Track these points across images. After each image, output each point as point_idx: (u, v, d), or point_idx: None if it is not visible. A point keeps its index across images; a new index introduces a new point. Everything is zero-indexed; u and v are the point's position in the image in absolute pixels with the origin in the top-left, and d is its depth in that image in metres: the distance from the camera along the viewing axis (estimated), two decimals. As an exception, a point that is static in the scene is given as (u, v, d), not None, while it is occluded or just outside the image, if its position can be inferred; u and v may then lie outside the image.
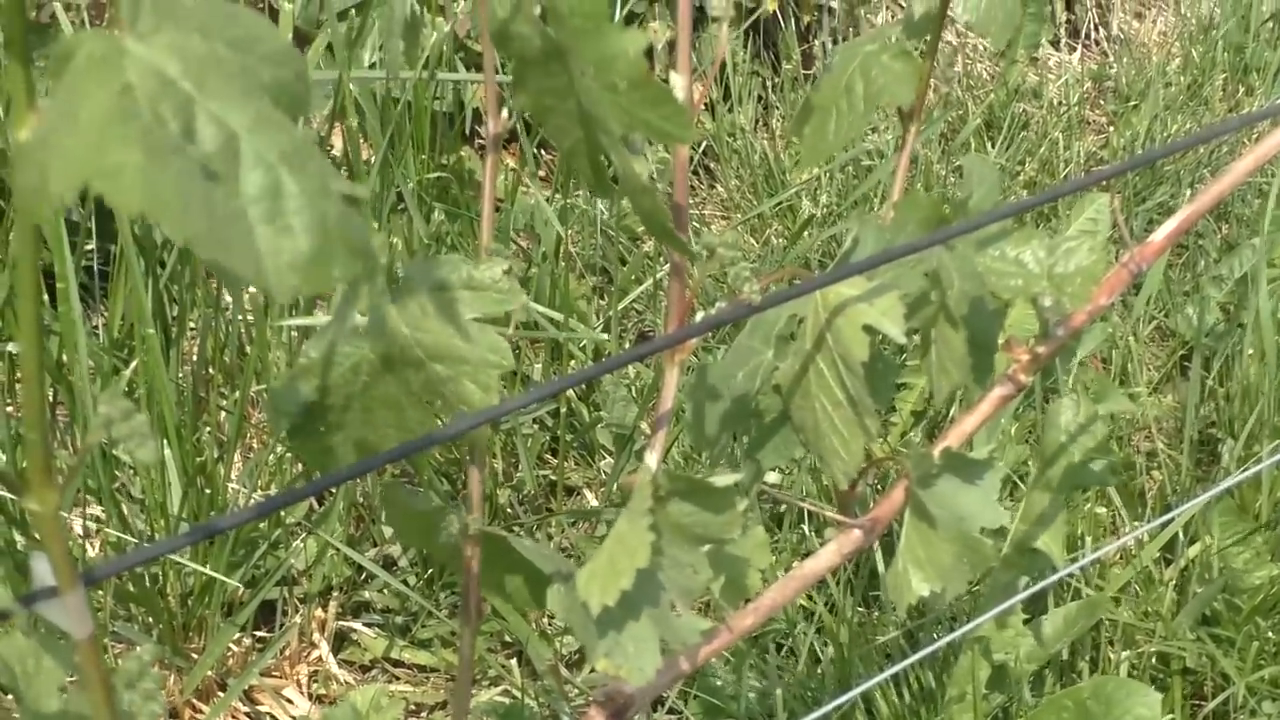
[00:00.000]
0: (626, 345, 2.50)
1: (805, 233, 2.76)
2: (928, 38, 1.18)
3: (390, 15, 0.98)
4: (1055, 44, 3.77)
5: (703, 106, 3.08)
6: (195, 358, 2.11)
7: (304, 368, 0.90)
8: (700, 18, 3.15)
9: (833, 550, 1.08)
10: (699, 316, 0.97)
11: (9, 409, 1.92)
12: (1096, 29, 3.86)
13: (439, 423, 0.93)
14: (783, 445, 1.10)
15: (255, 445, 2.16)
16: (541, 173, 2.96)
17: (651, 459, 0.94)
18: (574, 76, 0.87)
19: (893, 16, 3.59)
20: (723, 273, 0.92)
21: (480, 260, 0.93)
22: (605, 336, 2.38)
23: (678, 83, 0.92)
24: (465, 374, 0.90)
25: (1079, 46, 3.80)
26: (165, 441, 1.88)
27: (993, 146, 3.16)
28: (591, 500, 2.24)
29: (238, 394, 1.99)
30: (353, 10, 2.87)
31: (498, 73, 0.97)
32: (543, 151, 2.99)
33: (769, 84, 3.30)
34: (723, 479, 0.91)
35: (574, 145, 0.93)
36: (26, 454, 0.62)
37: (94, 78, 0.52)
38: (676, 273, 0.95)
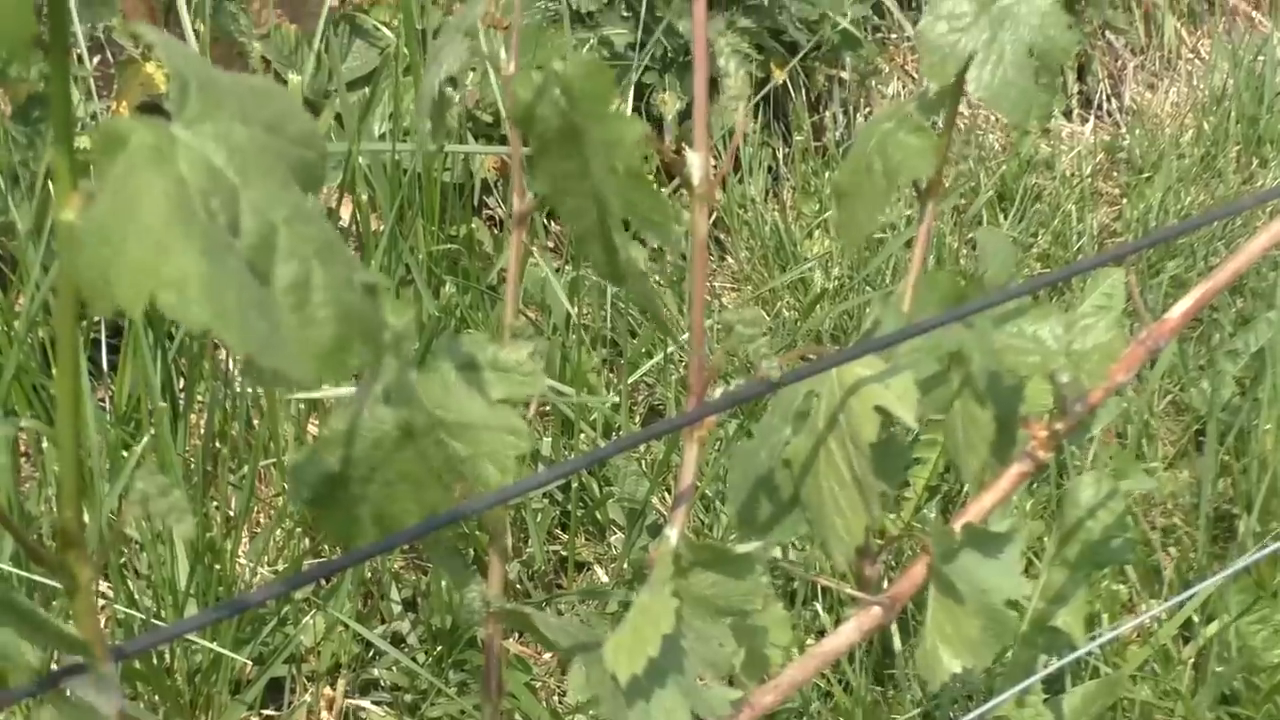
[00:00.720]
0: (637, 419, 2.48)
1: (817, 306, 2.75)
2: (943, 113, 1.18)
3: (419, 94, 0.98)
4: (1067, 115, 3.77)
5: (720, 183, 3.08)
6: (202, 431, 2.10)
7: (327, 439, 0.90)
8: (712, 88, 3.15)
9: (853, 627, 1.07)
10: (718, 392, 0.97)
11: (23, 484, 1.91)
12: (1108, 100, 3.86)
13: (456, 500, 0.93)
14: (793, 523, 1.09)
15: (262, 520, 2.15)
16: (550, 244, 2.96)
17: (673, 532, 0.93)
18: (589, 158, 0.88)
19: (904, 87, 3.60)
20: (742, 349, 0.91)
21: (505, 341, 0.93)
22: (616, 405, 2.37)
23: (695, 160, 0.92)
24: (484, 454, 0.91)
25: (1091, 117, 3.81)
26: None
27: (1005, 219, 3.15)
28: (602, 576, 2.22)
29: (245, 468, 1.98)
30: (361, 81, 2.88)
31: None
32: (551, 223, 2.98)
33: (779, 155, 3.31)
34: (743, 546, 0.91)
35: (588, 229, 0.93)
36: (60, 530, 0.62)
37: (149, 168, 0.53)
38: (696, 350, 0.95)
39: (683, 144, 2.87)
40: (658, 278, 2.76)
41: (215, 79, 0.60)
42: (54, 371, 2.15)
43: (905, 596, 1.06)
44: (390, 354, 0.89)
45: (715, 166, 2.94)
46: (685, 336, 2.32)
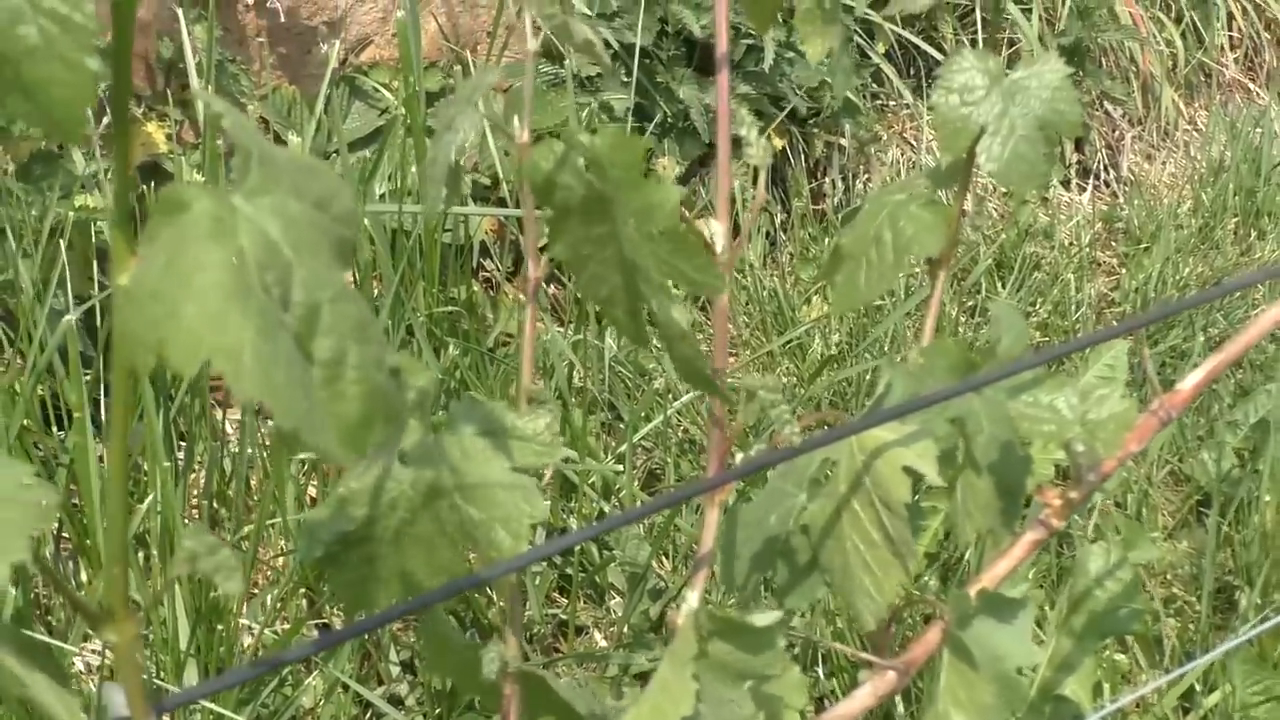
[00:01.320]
0: (636, 482, 2.48)
1: (815, 372, 2.76)
2: (955, 185, 1.19)
3: (432, 160, 0.99)
4: (1066, 184, 3.80)
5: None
6: (199, 490, 2.10)
7: (343, 498, 0.91)
8: (708, 154, 3.17)
9: (868, 691, 1.07)
10: (738, 458, 0.97)
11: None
12: (1106, 170, 3.88)
13: (469, 563, 0.93)
14: (810, 587, 1.10)
15: (261, 582, 2.15)
16: (547, 306, 2.97)
17: (693, 597, 0.94)
18: (617, 225, 0.89)
19: (902, 155, 3.62)
20: (762, 415, 0.92)
21: (522, 408, 0.94)
22: (619, 470, 2.37)
23: (717, 230, 0.93)
24: (499, 520, 0.92)
25: (1089, 187, 3.83)
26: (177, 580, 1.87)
27: (1004, 287, 3.16)
28: (600, 641, 2.22)
29: (246, 529, 1.98)
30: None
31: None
32: (550, 287, 2.99)
33: (777, 220, 3.32)
34: (763, 618, 0.91)
35: (611, 293, 0.94)
36: (106, 587, 0.63)
37: (211, 238, 0.55)
38: (716, 416, 0.95)
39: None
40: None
41: (274, 154, 0.61)
42: (54, 430, 2.16)
43: (919, 661, 1.07)
44: (413, 415, 0.89)
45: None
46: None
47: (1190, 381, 1.10)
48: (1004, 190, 3.46)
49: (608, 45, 3.10)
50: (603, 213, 0.90)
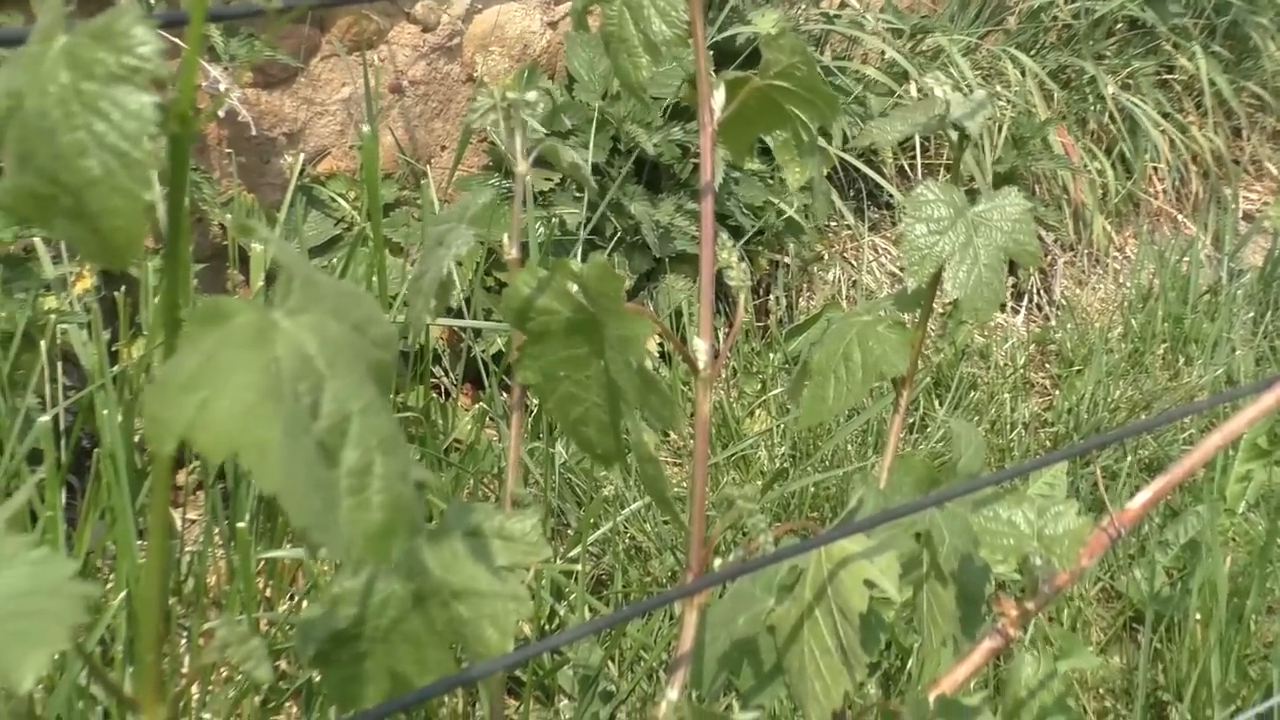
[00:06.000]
0: (584, 588, 2.53)
1: (760, 483, 2.82)
2: (918, 311, 1.26)
3: (420, 275, 1.05)
4: (1001, 307, 3.89)
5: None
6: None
7: (337, 598, 0.94)
8: (657, 268, 3.25)
9: (827, 796, 1.11)
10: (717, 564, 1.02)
11: None
12: (1039, 293, 3.98)
13: (457, 662, 0.97)
14: (775, 688, 1.15)
15: (219, 679, 2.17)
16: (499, 413, 3.01)
17: (673, 693, 0.98)
18: (605, 345, 0.94)
19: (843, 273, 3.71)
20: (739, 523, 0.98)
21: (507, 510, 0.99)
22: (569, 572, 2.41)
23: (701, 347, 0.99)
24: (487, 618, 0.95)
25: (1022, 309, 3.93)
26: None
27: (941, 405, 3.24)
28: (548, 743, 2.25)
29: (205, 625, 2.01)
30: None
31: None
32: (505, 395, 3.04)
33: (721, 335, 3.39)
34: (742, 716, 0.96)
35: (584, 413, 1.00)
36: (137, 674, 0.67)
37: (249, 346, 0.59)
38: (697, 523, 1.01)
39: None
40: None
41: (316, 277, 0.66)
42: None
43: (880, 764, 1.12)
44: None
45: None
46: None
47: (1139, 500, 1.17)
48: (941, 312, 3.55)
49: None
50: (586, 334, 0.95)
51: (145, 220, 0.61)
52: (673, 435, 3.13)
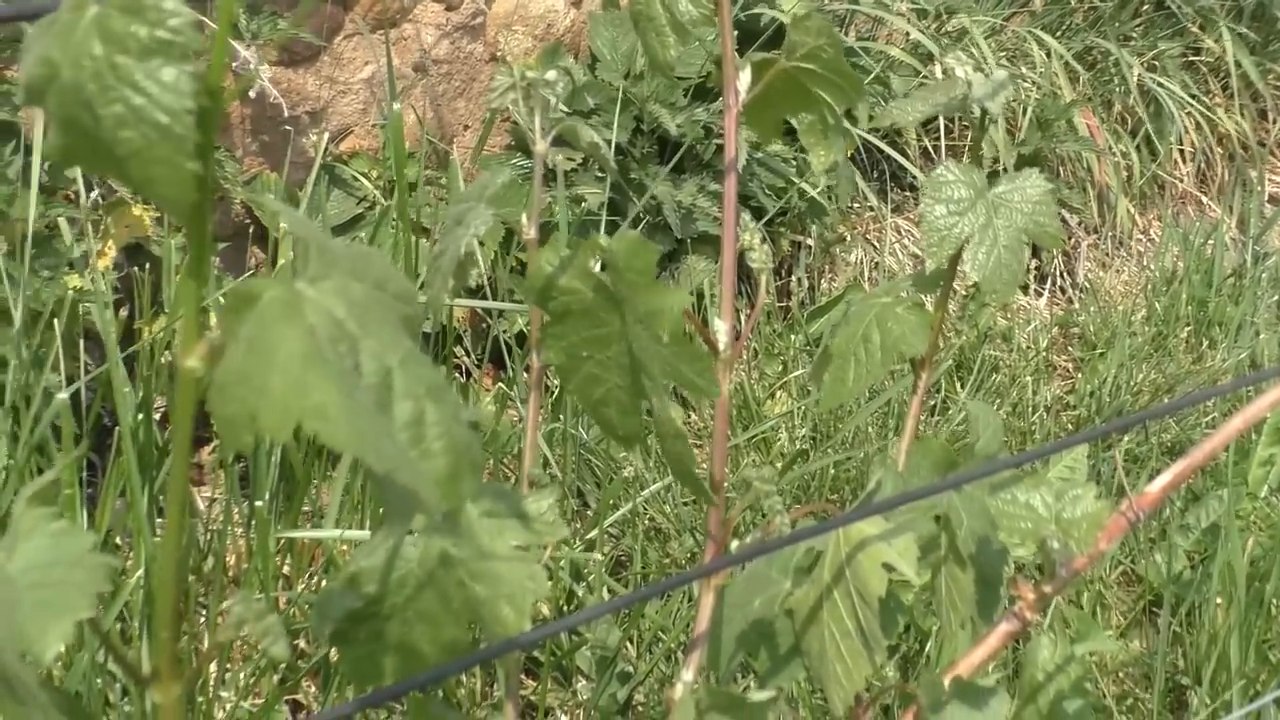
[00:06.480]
0: (602, 569, 2.53)
1: (781, 465, 2.82)
2: (938, 292, 1.26)
3: (439, 253, 1.05)
4: (1024, 289, 3.88)
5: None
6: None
7: (354, 576, 0.95)
8: (679, 249, 3.25)
9: (845, 776, 1.11)
10: (733, 546, 1.02)
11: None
12: (1063, 276, 3.97)
13: (474, 640, 0.97)
14: (794, 668, 1.15)
15: (237, 657, 2.18)
16: (522, 394, 3.02)
17: (689, 673, 0.98)
18: (627, 324, 0.93)
19: (865, 255, 3.70)
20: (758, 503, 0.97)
21: (525, 490, 0.98)
22: (588, 555, 2.41)
23: (723, 328, 0.98)
24: (504, 597, 0.95)
25: (1045, 292, 3.92)
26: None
27: (963, 388, 3.23)
28: (566, 723, 2.26)
29: (224, 604, 2.02)
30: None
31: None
32: (526, 374, 3.04)
33: (743, 316, 3.39)
34: (758, 695, 0.96)
35: (606, 394, 0.99)
36: (154, 650, 0.67)
37: (283, 321, 0.59)
38: (718, 503, 1.01)
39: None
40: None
41: (329, 244, 0.66)
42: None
43: (896, 746, 1.12)
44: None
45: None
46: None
47: (1158, 484, 1.16)
48: (964, 294, 3.54)
49: (583, 141, 3.17)
50: (610, 312, 0.95)
51: (193, 186, 0.61)
52: (693, 416, 3.13)
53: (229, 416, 0.59)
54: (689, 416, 3.15)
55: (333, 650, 2.03)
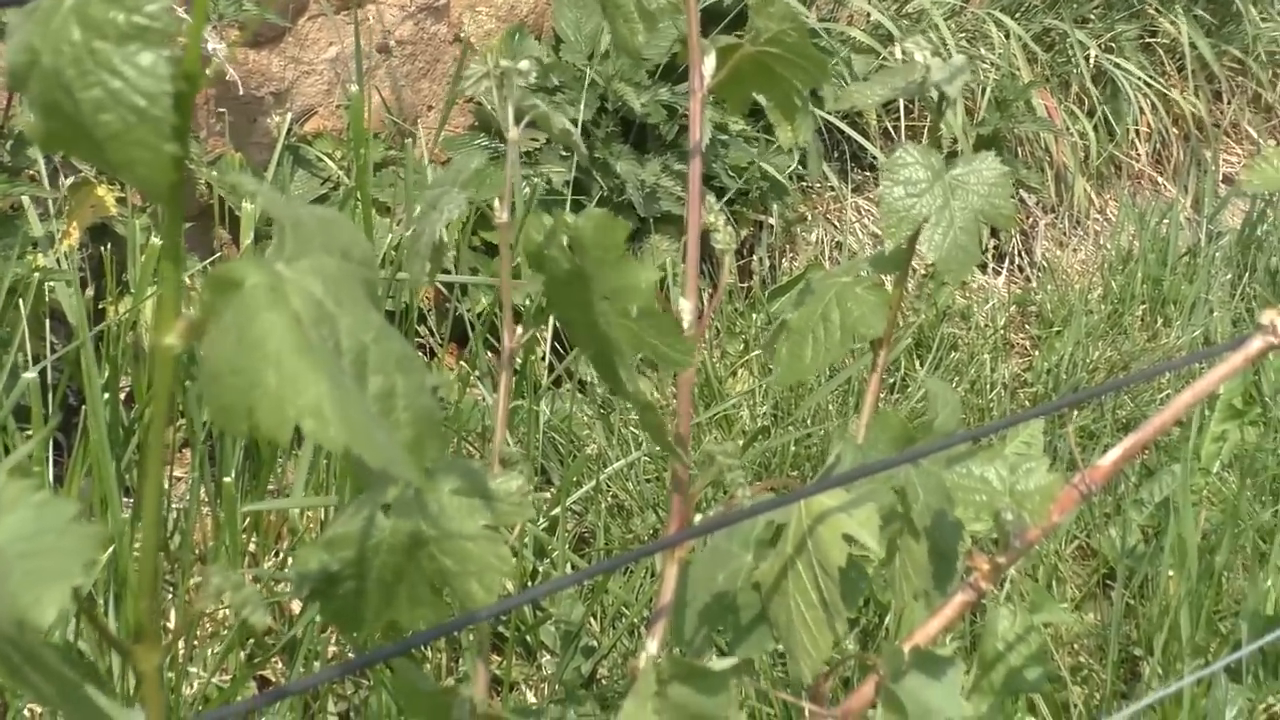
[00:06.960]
0: (565, 546, 2.56)
1: (742, 443, 2.85)
2: (896, 272, 1.29)
3: (415, 236, 1.07)
4: (982, 268, 3.92)
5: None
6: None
7: (331, 540, 0.97)
8: (643, 228, 3.27)
9: (806, 743, 1.15)
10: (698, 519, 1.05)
11: None
12: (1020, 255, 4.02)
13: (449, 607, 1.00)
14: (759, 640, 1.17)
15: (205, 635, 2.20)
16: (484, 370, 3.04)
17: (652, 644, 1.01)
18: (594, 299, 0.96)
19: (826, 235, 3.73)
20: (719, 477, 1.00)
21: (495, 468, 1.01)
22: (551, 528, 2.44)
23: (686, 306, 1.01)
24: (472, 573, 0.97)
25: (1004, 271, 3.96)
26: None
27: (922, 366, 3.27)
28: (531, 697, 2.29)
29: (191, 581, 2.04)
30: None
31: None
32: (490, 355, 3.07)
33: (705, 295, 3.42)
34: (719, 663, 0.98)
35: (597, 353, 1.02)
36: (136, 619, 0.69)
37: (269, 308, 0.62)
38: (678, 478, 1.03)
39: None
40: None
41: (302, 217, 0.69)
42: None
43: (856, 712, 1.15)
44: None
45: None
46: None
47: (1110, 457, 1.19)
48: (923, 273, 3.58)
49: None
50: (582, 286, 0.97)
51: (171, 167, 0.63)
52: (656, 394, 3.16)
53: (226, 406, 0.61)
54: (651, 394, 3.18)
55: (299, 628, 2.06)
